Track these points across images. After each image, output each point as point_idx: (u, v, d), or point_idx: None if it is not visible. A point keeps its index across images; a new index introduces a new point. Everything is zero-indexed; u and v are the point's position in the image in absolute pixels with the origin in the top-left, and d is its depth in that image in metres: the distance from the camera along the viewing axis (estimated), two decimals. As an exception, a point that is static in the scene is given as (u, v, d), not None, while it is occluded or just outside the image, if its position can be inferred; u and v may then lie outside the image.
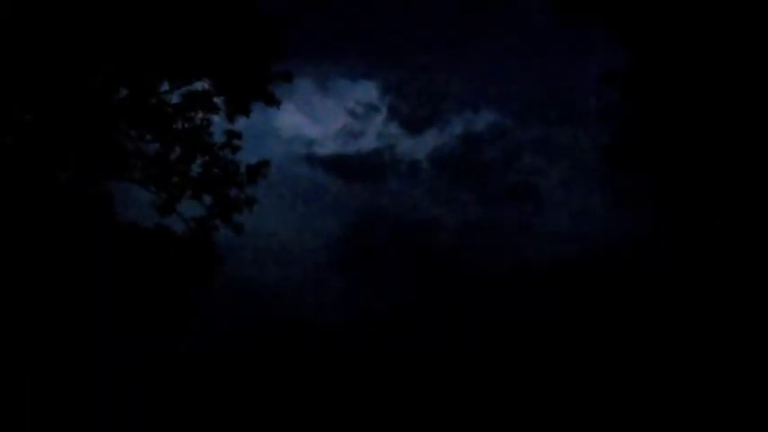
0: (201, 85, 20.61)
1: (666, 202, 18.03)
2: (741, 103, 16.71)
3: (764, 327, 16.90)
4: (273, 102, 21.13)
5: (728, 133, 16.95)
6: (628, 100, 18.63)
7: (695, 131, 17.74)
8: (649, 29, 17.58)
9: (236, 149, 21.53)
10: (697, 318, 17.70)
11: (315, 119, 24.67)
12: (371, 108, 24.35)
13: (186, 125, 20.94)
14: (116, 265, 18.44)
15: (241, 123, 21.27)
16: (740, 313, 17.37)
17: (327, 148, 23.79)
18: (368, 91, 24.79)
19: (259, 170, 21.56)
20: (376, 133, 24.39)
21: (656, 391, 17.04)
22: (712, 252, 17.22)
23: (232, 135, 21.43)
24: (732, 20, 16.65)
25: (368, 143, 23.97)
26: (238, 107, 21.01)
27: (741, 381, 16.65)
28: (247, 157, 21.38)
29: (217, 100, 20.93)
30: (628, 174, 19.44)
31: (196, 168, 20.99)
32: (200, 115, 21.01)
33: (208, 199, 21.08)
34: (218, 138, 21.33)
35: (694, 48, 17.00)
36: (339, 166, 23.21)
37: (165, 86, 20.10)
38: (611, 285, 18.93)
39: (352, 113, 24.46)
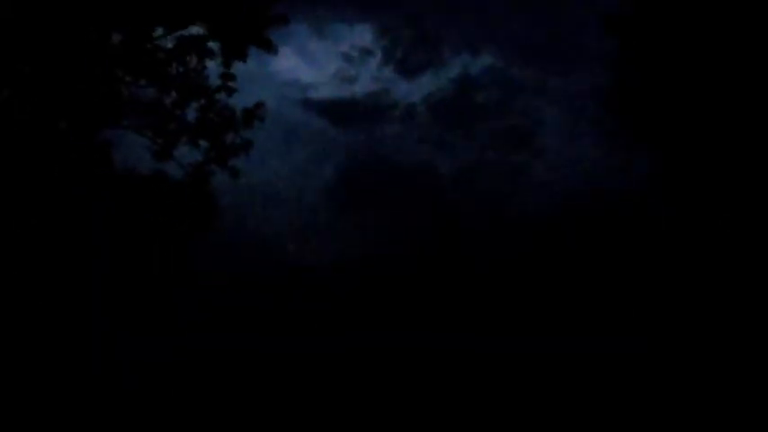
0: (196, 30, 20.26)
1: (663, 153, 18.09)
2: (742, 53, 16.63)
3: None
4: (270, 48, 20.78)
5: (729, 82, 16.91)
6: (627, 45, 18.48)
7: (694, 78, 17.66)
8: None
9: (231, 92, 21.31)
10: (692, 265, 17.96)
11: (310, 63, 24.42)
12: (366, 52, 24.06)
13: (181, 69, 20.68)
14: (115, 215, 18.47)
15: (236, 68, 20.99)
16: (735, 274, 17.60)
17: (323, 93, 23.64)
18: (363, 35, 24.46)
19: (254, 113, 21.45)
20: (371, 77, 24.17)
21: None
22: (705, 204, 17.38)
23: (227, 77, 21.15)
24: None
25: (363, 87, 23.78)
26: (235, 52, 20.68)
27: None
28: (242, 102, 21.23)
29: (212, 45, 20.61)
30: (625, 120, 19.44)
31: (192, 114, 20.90)
32: (195, 60, 20.74)
33: (204, 144, 21.04)
34: (213, 83, 21.13)
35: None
36: (334, 110, 23.10)
37: (160, 31, 19.78)
38: (606, 232, 19.17)
39: (347, 57, 24.21)
